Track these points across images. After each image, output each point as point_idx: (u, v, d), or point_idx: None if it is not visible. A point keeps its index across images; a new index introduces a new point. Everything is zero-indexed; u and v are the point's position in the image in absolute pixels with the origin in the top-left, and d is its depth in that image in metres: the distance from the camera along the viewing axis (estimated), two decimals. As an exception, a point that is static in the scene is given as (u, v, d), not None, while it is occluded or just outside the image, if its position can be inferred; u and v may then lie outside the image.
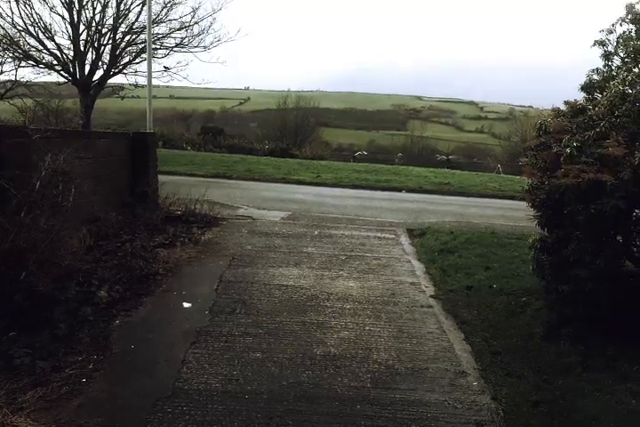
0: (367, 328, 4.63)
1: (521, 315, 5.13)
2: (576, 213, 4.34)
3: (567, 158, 4.32)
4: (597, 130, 4.30)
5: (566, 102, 5.00)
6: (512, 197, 13.29)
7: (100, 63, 17.84)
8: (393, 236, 8.53)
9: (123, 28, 17.55)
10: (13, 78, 17.41)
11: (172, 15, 17.79)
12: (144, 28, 16.41)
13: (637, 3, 4.97)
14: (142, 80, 17.79)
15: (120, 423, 3.03)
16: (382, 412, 3.32)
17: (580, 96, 5.14)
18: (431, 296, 5.63)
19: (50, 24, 17.08)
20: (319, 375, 3.73)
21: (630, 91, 4.39)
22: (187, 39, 17.97)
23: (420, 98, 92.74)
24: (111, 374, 3.60)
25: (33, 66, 17.68)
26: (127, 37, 17.81)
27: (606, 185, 3.98)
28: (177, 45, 18.14)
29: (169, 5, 17.43)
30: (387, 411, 3.34)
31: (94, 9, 17.10)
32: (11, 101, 17.86)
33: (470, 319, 4.98)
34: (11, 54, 17.30)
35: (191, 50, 18.33)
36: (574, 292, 4.57)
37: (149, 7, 13.60)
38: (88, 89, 17.83)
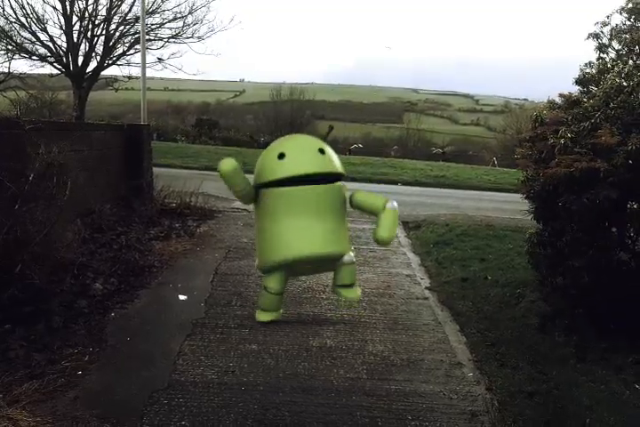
0: (363, 320, 4.64)
1: (516, 307, 5.15)
2: (570, 204, 4.35)
3: (561, 149, 4.32)
4: (592, 121, 4.31)
5: (561, 95, 5.01)
6: (508, 190, 13.35)
7: (94, 55, 17.69)
8: (388, 228, 8.52)
9: (116, 19, 17.40)
10: (6, 71, 17.22)
11: (166, 5, 17.63)
12: (137, 18, 16.25)
13: None
14: (136, 71, 17.65)
15: (116, 415, 3.02)
16: (378, 403, 3.34)
17: (574, 89, 5.17)
18: (427, 288, 5.64)
19: (42, 15, 16.92)
20: (315, 367, 3.74)
21: (626, 83, 4.38)
22: (181, 29, 17.82)
23: (416, 91, 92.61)
24: (107, 366, 3.59)
25: (26, 58, 17.53)
26: (121, 28, 17.66)
27: (599, 172, 3.98)
28: (172, 37, 17.99)
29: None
30: (382, 402, 3.35)
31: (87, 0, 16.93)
32: (4, 94, 17.70)
33: (465, 311, 5.00)
34: (3, 47, 17.13)
35: (185, 40, 18.17)
36: (569, 284, 4.59)
37: (143, -1, 13.45)
38: (82, 81, 17.66)
